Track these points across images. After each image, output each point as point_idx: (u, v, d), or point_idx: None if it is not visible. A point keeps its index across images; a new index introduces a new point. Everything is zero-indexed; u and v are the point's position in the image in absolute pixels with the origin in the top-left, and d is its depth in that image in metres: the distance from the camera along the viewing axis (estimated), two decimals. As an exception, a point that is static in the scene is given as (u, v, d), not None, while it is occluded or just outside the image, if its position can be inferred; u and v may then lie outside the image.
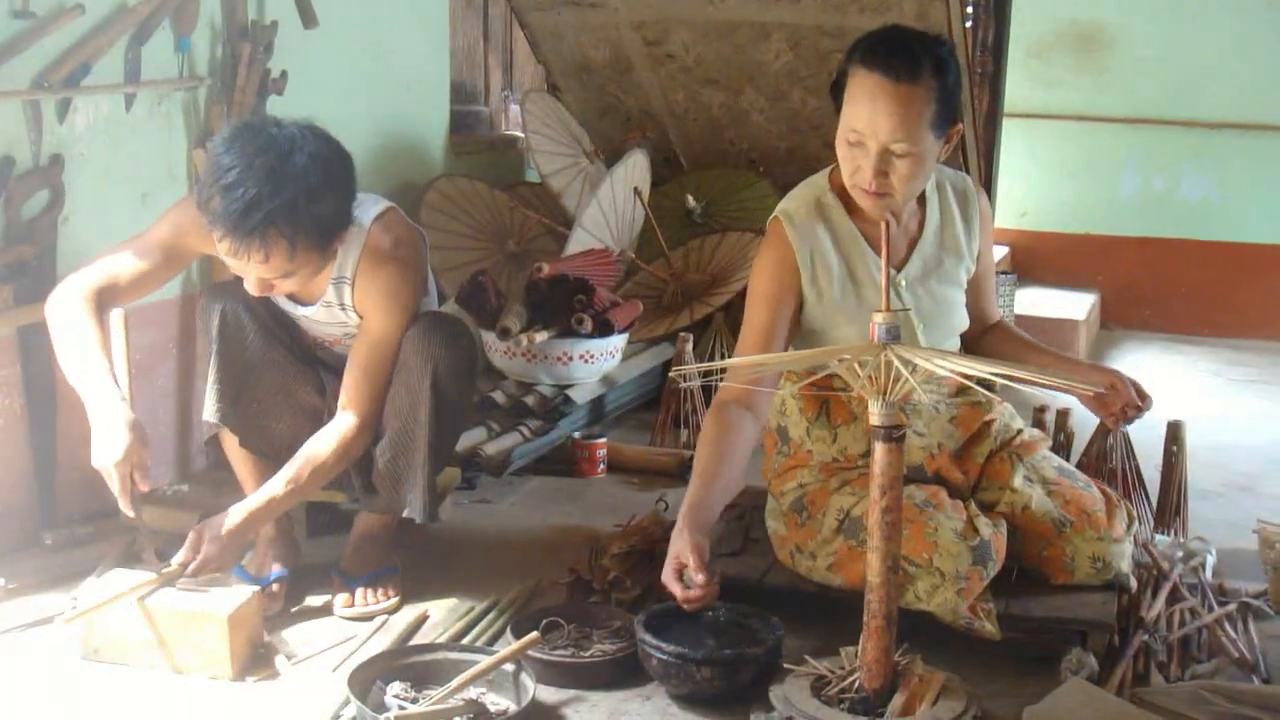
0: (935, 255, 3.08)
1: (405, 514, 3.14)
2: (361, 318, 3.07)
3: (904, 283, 3.02)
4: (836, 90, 2.86)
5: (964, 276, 3.14)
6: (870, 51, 2.78)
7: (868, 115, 2.76)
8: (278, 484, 2.95)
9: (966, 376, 2.31)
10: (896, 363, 2.29)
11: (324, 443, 3.00)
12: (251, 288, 2.90)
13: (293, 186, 2.74)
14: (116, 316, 2.96)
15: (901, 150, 2.77)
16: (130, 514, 2.84)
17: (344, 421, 3.03)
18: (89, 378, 2.84)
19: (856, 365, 2.34)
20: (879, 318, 2.36)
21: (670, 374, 4.54)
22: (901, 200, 2.89)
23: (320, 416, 3.17)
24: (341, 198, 2.89)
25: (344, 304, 3.07)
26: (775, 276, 2.98)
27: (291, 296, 3.10)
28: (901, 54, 2.76)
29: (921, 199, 3.07)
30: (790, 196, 3.06)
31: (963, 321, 3.15)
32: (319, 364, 3.25)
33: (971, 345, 3.26)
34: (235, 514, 2.90)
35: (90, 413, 2.82)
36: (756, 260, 3.03)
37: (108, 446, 2.78)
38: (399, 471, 3.11)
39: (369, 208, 3.05)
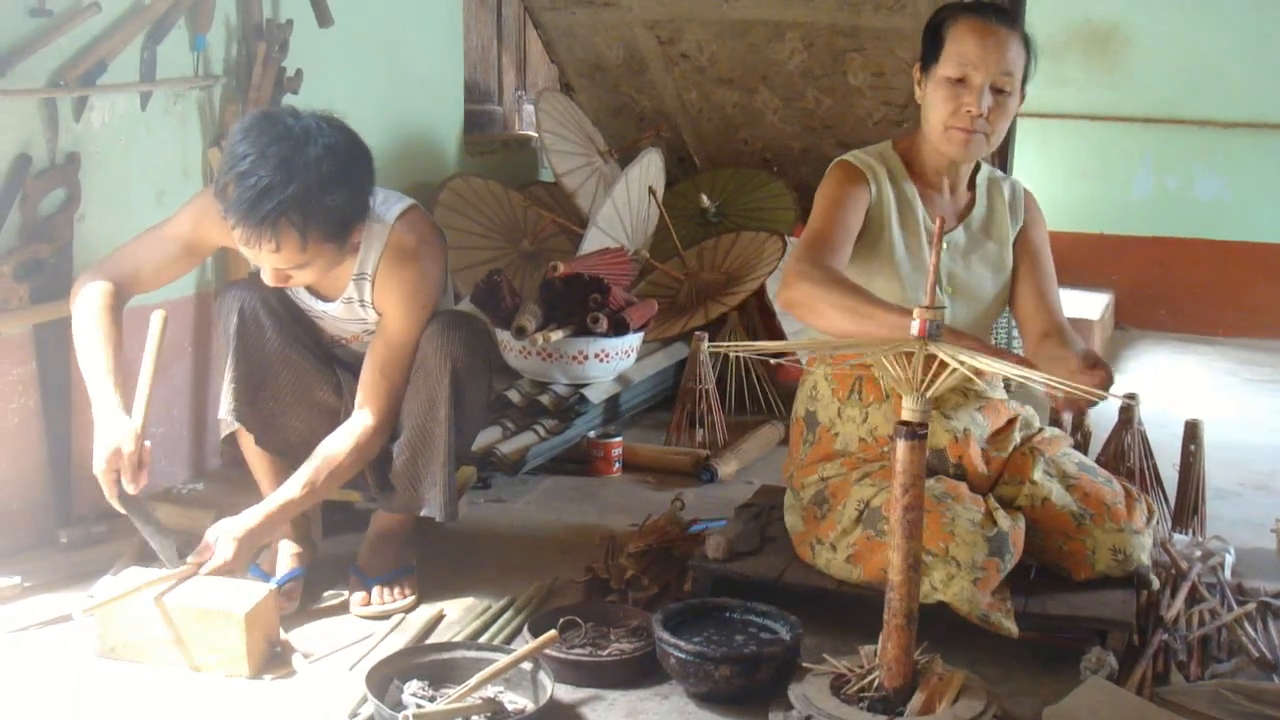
0: (981, 236, 3.22)
1: (424, 513, 3.13)
2: (380, 316, 3.06)
3: (946, 245, 3.14)
4: (934, 39, 3.05)
5: (1001, 272, 3.22)
6: (970, 6, 3.07)
7: (977, 50, 2.98)
8: (295, 486, 2.95)
9: (980, 374, 2.30)
10: (944, 355, 2.28)
11: (340, 443, 3.00)
12: (268, 278, 2.90)
13: (305, 176, 2.73)
14: (156, 318, 2.97)
15: (1003, 85, 3.00)
16: (120, 508, 2.83)
17: (360, 421, 3.02)
18: (91, 380, 2.87)
19: (893, 359, 2.34)
20: (920, 313, 2.35)
21: (706, 351, 4.54)
22: (991, 145, 3.07)
23: (337, 415, 3.17)
24: (356, 190, 2.88)
25: (364, 301, 3.06)
26: (844, 184, 3.11)
27: (314, 292, 3.10)
28: (999, 8, 3.10)
29: (972, 184, 3.24)
30: (851, 153, 3.21)
31: (994, 312, 3.24)
32: (336, 362, 3.24)
33: (1034, 349, 3.19)
34: (252, 516, 2.90)
35: (94, 413, 2.84)
36: (820, 189, 3.14)
37: (95, 451, 2.80)
38: (418, 470, 3.10)
39: (393, 205, 3.05)
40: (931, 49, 3.05)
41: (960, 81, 2.99)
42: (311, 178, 2.74)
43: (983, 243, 3.22)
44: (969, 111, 2.99)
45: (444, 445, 3.07)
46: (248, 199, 2.71)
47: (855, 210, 3.06)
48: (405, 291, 3.03)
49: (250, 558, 2.97)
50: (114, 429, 2.80)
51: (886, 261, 3.09)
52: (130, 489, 2.81)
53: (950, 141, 3.05)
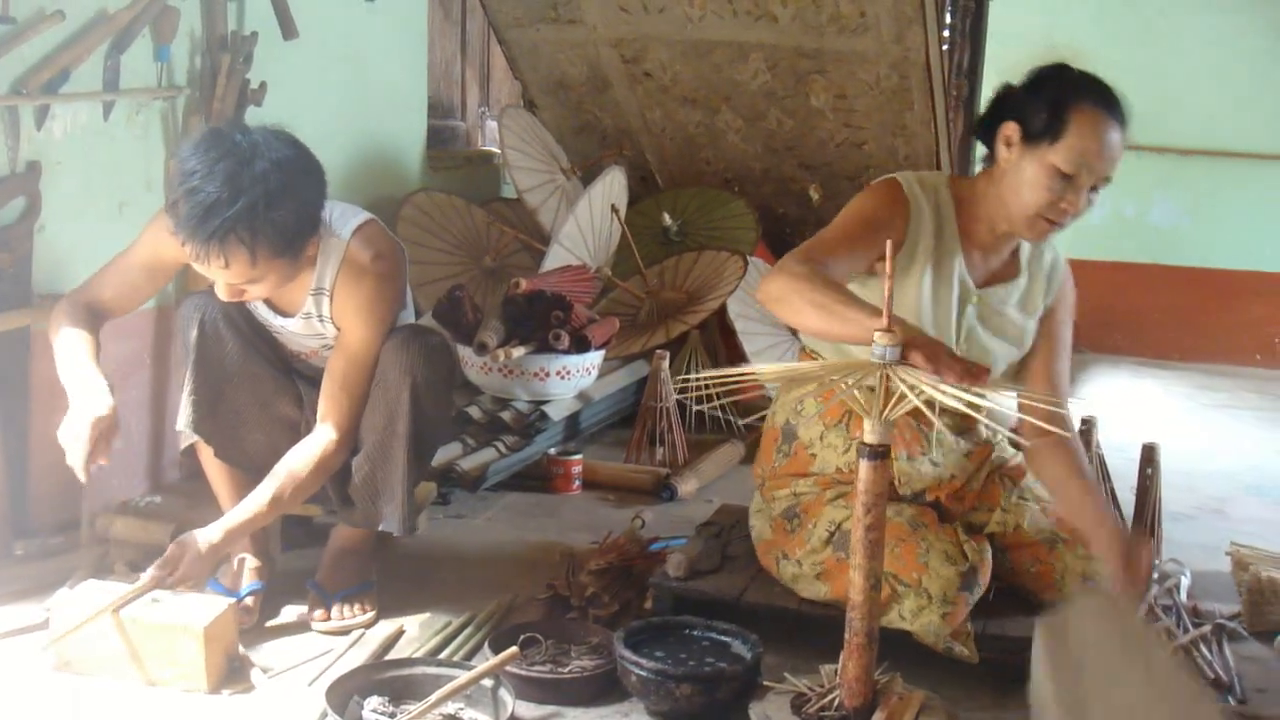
0: (1014, 307, 3.08)
1: (383, 527, 3.12)
2: (340, 330, 3.06)
3: (976, 299, 3.02)
4: (1054, 115, 2.83)
5: (1020, 347, 3.11)
6: (1098, 93, 2.88)
7: (1099, 152, 2.82)
8: (258, 500, 2.94)
9: (973, 406, 2.28)
10: (903, 386, 2.28)
11: (303, 458, 2.99)
12: (221, 293, 2.89)
13: (251, 192, 2.72)
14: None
15: (1101, 185, 2.85)
16: (82, 479, 2.81)
17: (322, 435, 3.01)
18: (74, 371, 2.86)
19: (851, 381, 2.34)
20: (880, 337, 2.36)
21: (677, 381, 4.54)
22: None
23: (298, 429, 3.16)
24: (305, 204, 2.87)
25: (323, 316, 3.05)
26: (881, 205, 2.96)
27: (273, 308, 3.09)
28: (1119, 102, 2.90)
29: (1016, 249, 3.09)
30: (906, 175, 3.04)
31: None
32: (297, 376, 3.23)
33: (1031, 450, 3.09)
34: (215, 530, 2.89)
35: (70, 395, 2.83)
36: (858, 199, 2.99)
37: (82, 410, 2.79)
38: (376, 484, 3.09)
39: (349, 219, 3.04)
40: (1049, 126, 2.83)
41: (1068, 176, 2.82)
42: (258, 193, 2.73)
43: (1014, 315, 3.08)
44: (1066, 209, 2.84)
45: (403, 460, 3.06)
46: (196, 215, 2.71)
47: (877, 234, 2.84)
48: (363, 305, 3.02)
49: (211, 572, 2.95)
50: (97, 396, 2.81)
51: (911, 300, 2.94)
52: (102, 460, 2.80)
53: (1033, 229, 2.90)
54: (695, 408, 4.90)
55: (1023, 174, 2.86)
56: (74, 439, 2.78)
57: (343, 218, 3.04)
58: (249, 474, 3.16)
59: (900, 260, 2.92)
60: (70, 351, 2.90)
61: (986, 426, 3.04)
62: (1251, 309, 7.34)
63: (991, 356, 3.03)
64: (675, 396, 4.61)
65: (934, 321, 2.95)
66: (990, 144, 2.96)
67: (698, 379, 2.51)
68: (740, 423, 4.82)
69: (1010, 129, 2.89)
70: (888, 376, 2.32)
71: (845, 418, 3.04)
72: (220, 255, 2.75)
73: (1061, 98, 2.85)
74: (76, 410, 2.80)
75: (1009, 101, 2.95)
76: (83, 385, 2.84)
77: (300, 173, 2.85)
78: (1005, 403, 2.41)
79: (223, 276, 2.82)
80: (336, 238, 3.01)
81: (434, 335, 3.18)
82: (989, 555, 2.91)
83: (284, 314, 3.10)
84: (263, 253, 2.78)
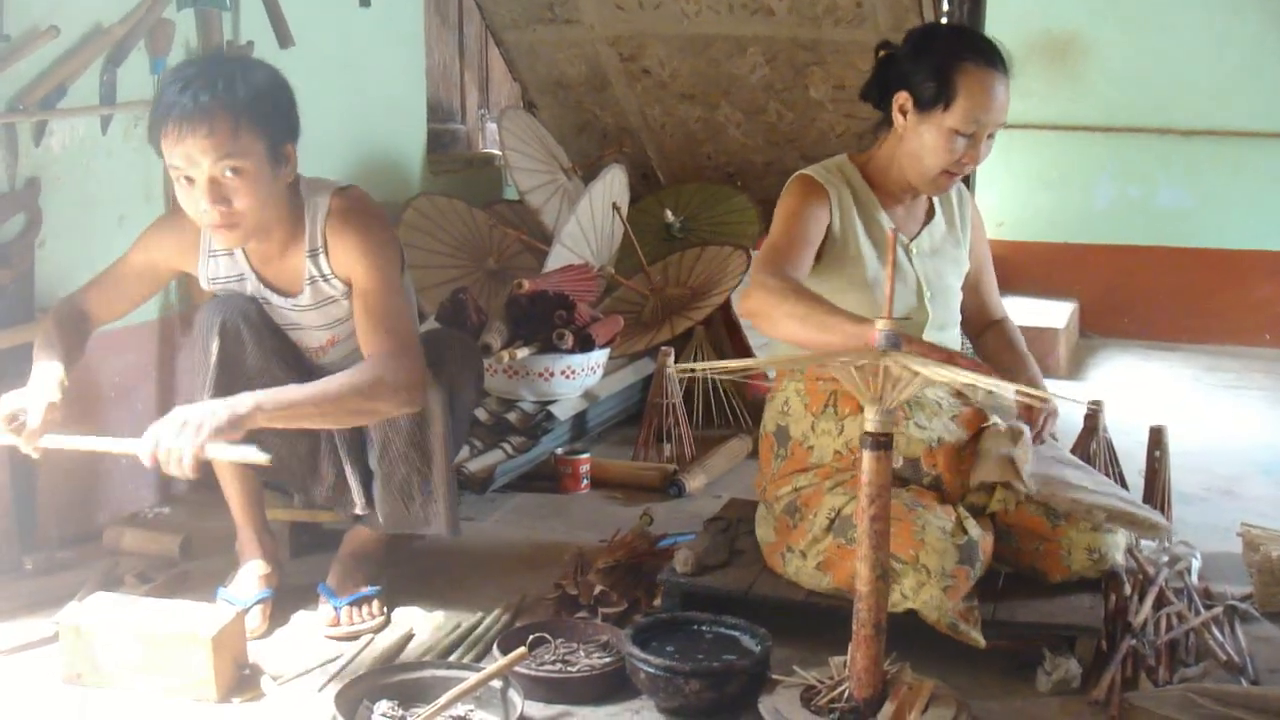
0: (942, 239, 3.27)
1: (430, 530, 3.12)
2: (350, 284, 3.03)
3: (915, 251, 3.20)
4: (942, 83, 2.98)
5: (962, 269, 3.30)
6: (978, 49, 3.03)
7: (990, 105, 3.00)
8: (302, 389, 2.79)
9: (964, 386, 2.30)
10: (898, 369, 2.28)
11: (357, 370, 2.87)
12: (202, 199, 2.80)
13: (234, 72, 2.81)
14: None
15: (995, 130, 3.05)
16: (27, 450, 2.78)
17: (372, 360, 2.90)
18: (40, 358, 2.89)
19: (854, 370, 2.34)
20: (880, 324, 2.36)
21: (674, 369, 4.53)
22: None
23: (318, 433, 3.13)
24: (285, 103, 2.93)
25: (325, 275, 3.02)
26: (805, 196, 3.10)
27: (276, 290, 3.07)
28: (999, 51, 3.06)
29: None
30: (808, 169, 3.20)
31: (959, 312, 3.30)
32: (317, 378, 3.20)
33: (975, 341, 3.48)
34: (248, 399, 2.71)
35: (32, 376, 2.85)
36: (779, 204, 3.13)
37: (38, 387, 2.80)
38: (413, 488, 3.08)
39: (331, 183, 3.07)
40: (939, 93, 2.98)
41: (966, 135, 3.00)
42: (240, 73, 2.82)
43: (945, 245, 3.27)
44: (967, 161, 3.04)
45: (443, 460, 3.07)
46: (179, 86, 2.76)
47: (815, 223, 3.05)
48: (362, 244, 3.00)
49: (236, 435, 2.70)
50: (52, 382, 2.82)
51: (857, 276, 3.09)
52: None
53: (937, 185, 3.11)
54: (701, 399, 4.89)
55: (923, 140, 3.04)
56: (29, 408, 2.75)
57: (324, 182, 3.08)
58: (266, 480, 3.16)
59: (837, 244, 3.10)
60: (43, 342, 2.93)
61: (988, 410, 3.07)
62: (1259, 288, 7.31)
63: (950, 288, 3.26)
64: (681, 387, 4.60)
65: (899, 284, 3.07)
66: (883, 108, 3.14)
67: (700, 368, 2.54)
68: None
69: (903, 99, 3.06)
70: (889, 365, 2.32)
71: (831, 399, 3.09)
72: (205, 123, 2.74)
73: (944, 63, 3.00)
74: (33, 385, 2.80)
75: (894, 70, 3.10)
76: (43, 369, 2.85)
77: (279, 80, 2.94)
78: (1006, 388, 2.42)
79: (203, 152, 2.76)
80: (320, 197, 3.03)
81: (463, 335, 3.20)
82: (990, 534, 2.92)
83: (290, 294, 3.08)
84: (245, 121, 2.78)
